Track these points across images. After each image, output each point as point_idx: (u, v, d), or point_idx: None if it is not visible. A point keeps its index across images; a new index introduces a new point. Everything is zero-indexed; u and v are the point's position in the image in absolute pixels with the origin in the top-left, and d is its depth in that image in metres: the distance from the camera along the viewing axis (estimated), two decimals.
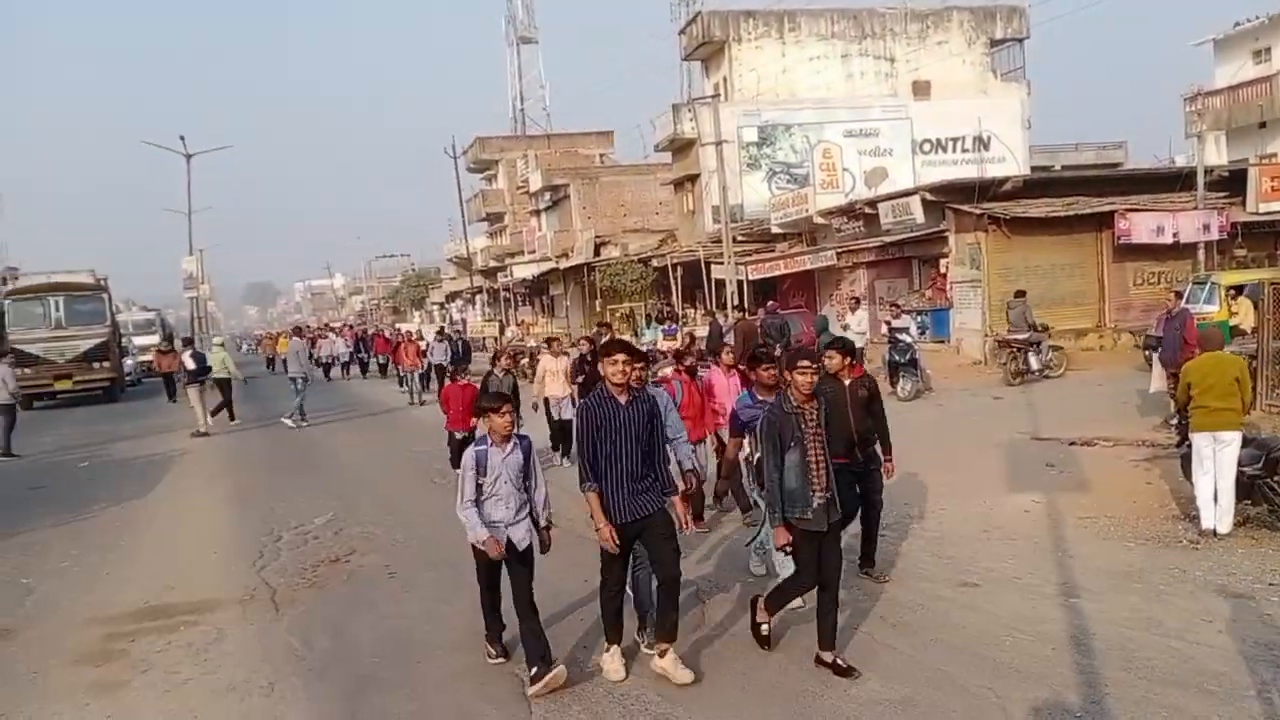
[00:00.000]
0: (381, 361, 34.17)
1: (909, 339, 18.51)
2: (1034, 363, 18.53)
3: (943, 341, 23.21)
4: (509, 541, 6.05)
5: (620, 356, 5.96)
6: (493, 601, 6.50)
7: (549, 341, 15.56)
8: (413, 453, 16.18)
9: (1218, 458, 8.03)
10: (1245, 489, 8.18)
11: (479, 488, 6.05)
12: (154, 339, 39.85)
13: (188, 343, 24.15)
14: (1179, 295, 15.71)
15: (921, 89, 38.38)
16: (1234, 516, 8.06)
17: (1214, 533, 8.01)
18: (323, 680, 6.43)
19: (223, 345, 22.79)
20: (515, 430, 6.25)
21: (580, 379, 13.16)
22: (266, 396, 21.44)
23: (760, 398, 7.19)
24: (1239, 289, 17.15)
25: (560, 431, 13.41)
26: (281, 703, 6.12)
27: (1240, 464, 8.09)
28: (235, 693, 6.31)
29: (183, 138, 38.55)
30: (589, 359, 13.18)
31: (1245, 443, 8.20)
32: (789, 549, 5.95)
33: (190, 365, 20.50)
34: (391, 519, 11.10)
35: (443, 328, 34.90)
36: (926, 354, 19.77)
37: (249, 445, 18.65)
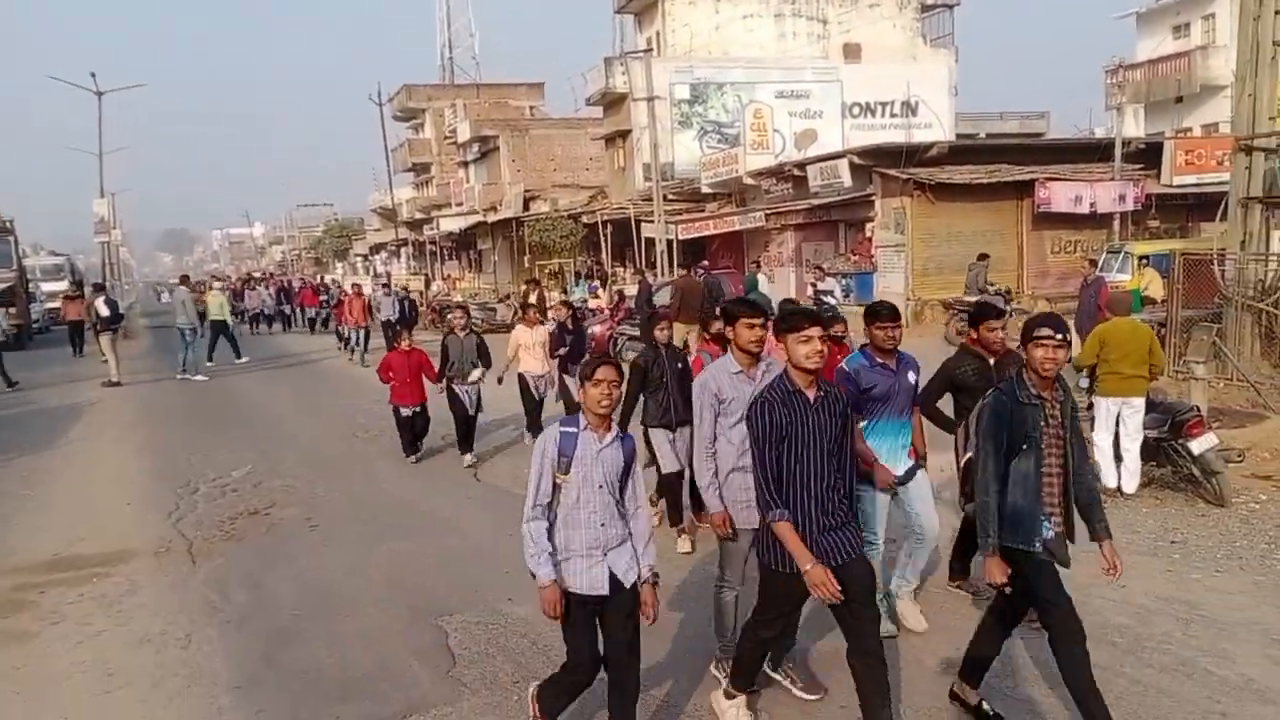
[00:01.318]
0: (311, 316, 33.02)
1: (833, 301, 18.77)
2: None
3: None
4: (611, 575, 4.17)
5: (814, 332, 4.23)
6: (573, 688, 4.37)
7: (524, 308, 13.17)
8: (336, 405, 15.95)
9: (1126, 422, 8.31)
10: (1151, 451, 8.49)
11: (555, 489, 4.14)
12: (63, 285, 38.43)
13: (99, 288, 23.37)
14: (1093, 264, 16.19)
15: (852, 52, 38.56)
16: (1140, 478, 8.36)
17: (1119, 492, 8.32)
18: (241, 632, 6.35)
19: (221, 290, 25.60)
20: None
21: (562, 351, 11.54)
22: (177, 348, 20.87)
23: (879, 361, 5.54)
24: (1150, 259, 17.71)
25: (538, 412, 11.56)
26: (198, 654, 6.02)
27: (1146, 427, 8.39)
28: (150, 644, 6.20)
29: (93, 74, 37.02)
30: (569, 329, 11.92)
31: (1150, 407, 8.50)
32: (1008, 586, 4.33)
33: (104, 312, 19.86)
34: (312, 472, 10.95)
35: (387, 281, 32.63)
36: (851, 317, 20.03)
37: (164, 397, 18.17)
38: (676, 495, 7.66)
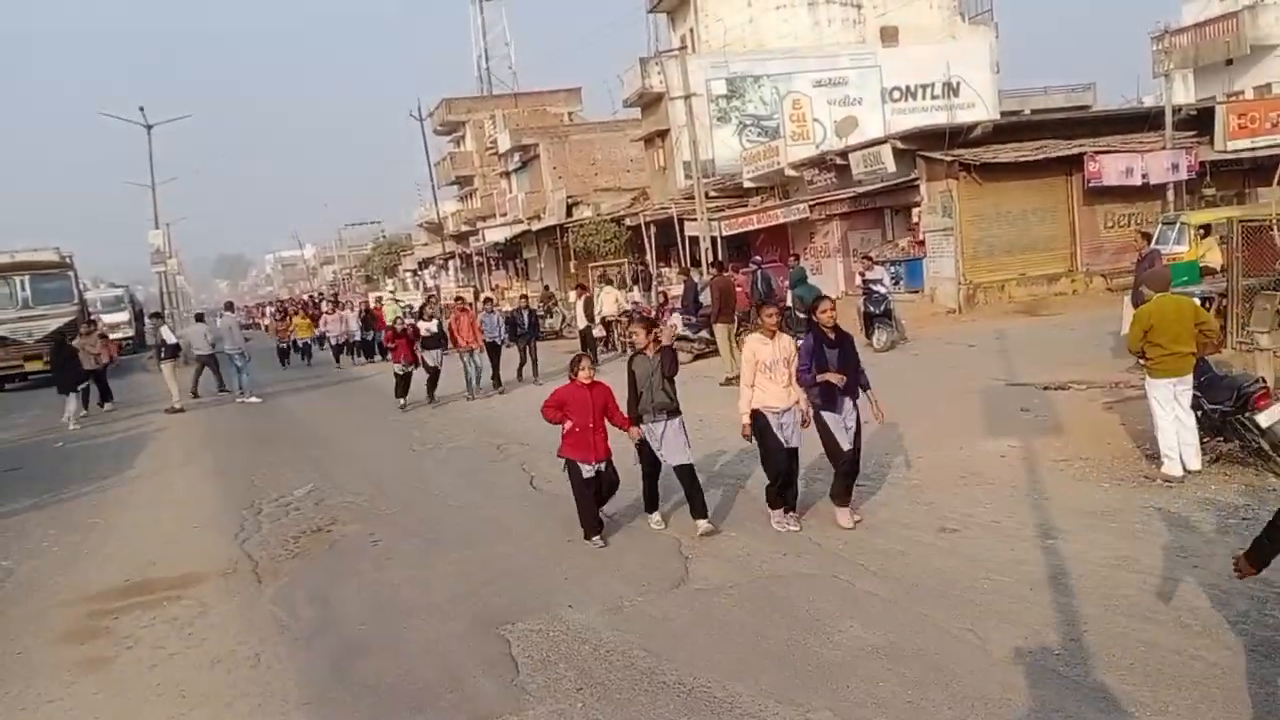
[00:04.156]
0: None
1: (883, 290, 18.53)
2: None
3: (917, 291, 23.28)
4: None
5: None
6: None
7: (759, 310, 8.82)
8: (390, 421, 16.14)
9: (1181, 400, 8.07)
10: (1217, 426, 8.27)
11: None
12: (124, 316, 39.27)
13: (158, 317, 23.90)
14: (1146, 237, 15.85)
15: (890, 35, 38.09)
16: (1207, 454, 8.14)
17: (1187, 471, 8.08)
18: (309, 649, 6.44)
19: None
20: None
21: (833, 378, 7.50)
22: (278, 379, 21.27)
23: None
24: (1208, 228, 17.25)
25: (790, 470, 7.79)
26: (268, 673, 6.12)
27: (1213, 401, 8.19)
28: (221, 664, 6.32)
29: (142, 109, 37.79)
30: (831, 339, 7.64)
31: (1216, 380, 8.29)
32: None
33: (169, 340, 20.44)
34: (372, 487, 11.08)
35: (490, 295, 26.21)
36: (901, 304, 19.84)
37: (225, 420, 18.53)
38: None
